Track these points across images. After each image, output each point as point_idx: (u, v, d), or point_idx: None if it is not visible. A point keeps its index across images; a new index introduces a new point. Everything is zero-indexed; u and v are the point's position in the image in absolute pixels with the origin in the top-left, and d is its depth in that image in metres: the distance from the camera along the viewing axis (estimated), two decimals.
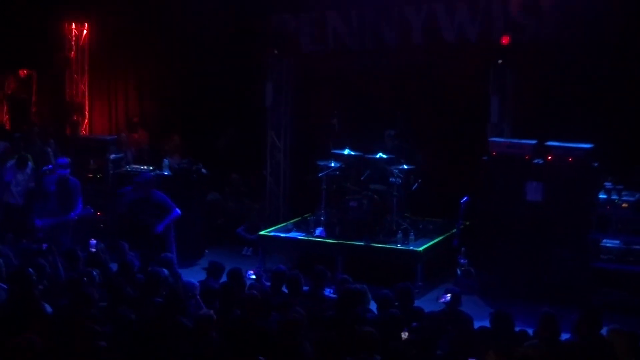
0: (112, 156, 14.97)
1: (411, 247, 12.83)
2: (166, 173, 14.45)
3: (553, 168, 12.18)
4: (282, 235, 13.71)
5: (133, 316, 8.19)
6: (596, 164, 12.16)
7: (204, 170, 14.61)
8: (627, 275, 11.95)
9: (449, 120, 14.88)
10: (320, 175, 13.68)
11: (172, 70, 17.46)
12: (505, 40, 13.47)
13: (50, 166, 14.22)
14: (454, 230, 13.35)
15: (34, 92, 18.91)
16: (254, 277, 10.70)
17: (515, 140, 12.82)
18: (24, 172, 14.52)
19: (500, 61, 13.56)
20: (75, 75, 18.37)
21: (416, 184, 13.79)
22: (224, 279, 10.20)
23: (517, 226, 12.33)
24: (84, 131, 18.21)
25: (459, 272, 13.00)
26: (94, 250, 11.20)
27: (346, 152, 13.59)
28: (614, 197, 12.09)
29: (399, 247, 12.83)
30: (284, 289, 9.95)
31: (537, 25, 13.72)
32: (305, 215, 14.39)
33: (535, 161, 12.30)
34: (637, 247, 12.00)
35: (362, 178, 13.69)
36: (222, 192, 16.01)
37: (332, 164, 13.63)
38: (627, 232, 12.07)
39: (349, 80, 15.48)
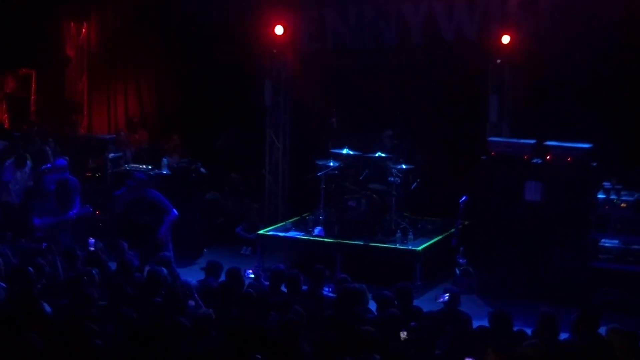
0: (111, 155, 14.96)
1: (410, 247, 12.83)
2: (165, 172, 14.46)
3: (552, 168, 12.18)
4: (281, 234, 13.71)
5: (134, 315, 8.20)
6: (595, 164, 12.17)
7: (203, 170, 14.62)
8: (626, 275, 11.95)
9: (448, 120, 14.88)
10: (319, 174, 13.68)
11: (172, 70, 17.46)
12: (504, 39, 13.48)
13: (49, 165, 14.22)
14: (453, 230, 13.36)
15: (33, 92, 18.88)
16: (252, 276, 10.72)
17: (514, 140, 12.83)
18: (22, 171, 14.52)
19: (499, 60, 13.59)
20: (74, 75, 18.36)
21: (415, 184, 13.79)
22: (222, 278, 10.20)
23: (516, 226, 12.33)
24: (83, 130, 18.19)
25: (457, 271, 13.01)
26: (92, 249, 11.21)
27: (345, 151, 13.59)
28: (613, 197, 12.09)
29: (398, 246, 12.83)
30: (283, 288, 9.95)
31: (536, 24, 13.73)
32: (304, 215, 14.39)
33: (534, 161, 12.30)
34: (636, 247, 12.01)
35: (361, 177, 13.69)
36: (222, 192, 16.00)
37: (331, 164, 13.63)
38: (626, 232, 12.07)
39: (348, 80, 15.46)
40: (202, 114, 17.02)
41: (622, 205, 12.02)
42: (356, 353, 7.44)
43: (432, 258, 13.09)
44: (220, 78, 16.37)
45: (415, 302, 9.90)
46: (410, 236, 13.05)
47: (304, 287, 9.95)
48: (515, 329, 8.58)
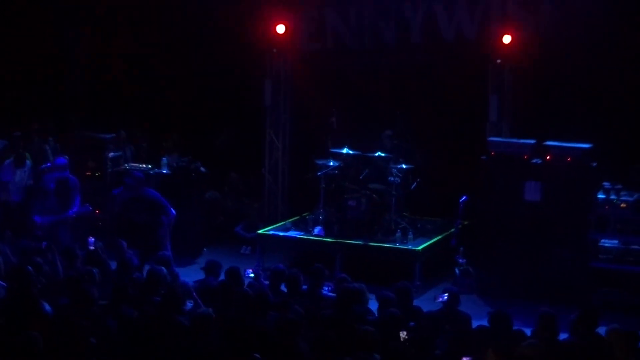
0: (111, 154, 14.95)
1: (410, 247, 12.83)
2: (165, 171, 14.45)
3: (552, 168, 12.19)
4: (281, 234, 13.71)
5: (135, 314, 8.20)
6: (595, 164, 12.17)
7: (202, 169, 14.62)
8: (626, 275, 11.96)
9: (448, 120, 14.88)
10: (319, 174, 13.67)
11: (172, 69, 17.44)
12: (504, 39, 13.47)
13: (48, 164, 14.21)
14: (453, 230, 13.36)
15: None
16: (252, 275, 10.71)
17: (514, 140, 12.84)
18: (22, 170, 14.50)
19: (499, 61, 13.59)
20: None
21: (415, 183, 13.79)
22: (222, 277, 10.19)
23: (516, 226, 12.34)
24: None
25: (457, 271, 13.00)
26: (92, 248, 11.20)
27: (345, 151, 13.59)
28: (612, 197, 12.10)
29: (398, 246, 12.84)
30: (283, 288, 9.95)
31: (536, 24, 13.73)
32: (304, 214, 14.38)
33: (534, 161, 12.31)
34: (636, 247, 12.02)
35: (360, 177, 13.68)
36: (221, 191, 15.99)
37: (331, 163, 13.63)
38: (625, 232, 12.08)
39: (348, 80, 15.47)
40: (202, 114, 17.02)
41: (622, 205, 12.02)
42: (355, 352, 7.44)
43: (432, 258, 13.09)
44: (220, 78, 16.37)
45: (415, 302, 9.91)
46: (410, 236, 13.05)
47: (304, 287, 9.95)
48: (514, 328, 8.58)
